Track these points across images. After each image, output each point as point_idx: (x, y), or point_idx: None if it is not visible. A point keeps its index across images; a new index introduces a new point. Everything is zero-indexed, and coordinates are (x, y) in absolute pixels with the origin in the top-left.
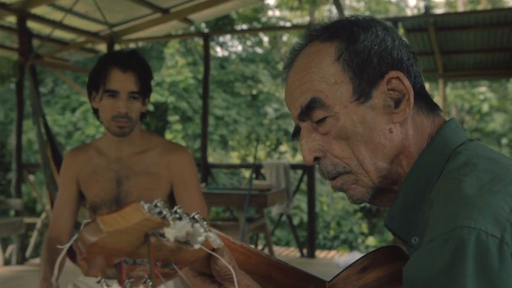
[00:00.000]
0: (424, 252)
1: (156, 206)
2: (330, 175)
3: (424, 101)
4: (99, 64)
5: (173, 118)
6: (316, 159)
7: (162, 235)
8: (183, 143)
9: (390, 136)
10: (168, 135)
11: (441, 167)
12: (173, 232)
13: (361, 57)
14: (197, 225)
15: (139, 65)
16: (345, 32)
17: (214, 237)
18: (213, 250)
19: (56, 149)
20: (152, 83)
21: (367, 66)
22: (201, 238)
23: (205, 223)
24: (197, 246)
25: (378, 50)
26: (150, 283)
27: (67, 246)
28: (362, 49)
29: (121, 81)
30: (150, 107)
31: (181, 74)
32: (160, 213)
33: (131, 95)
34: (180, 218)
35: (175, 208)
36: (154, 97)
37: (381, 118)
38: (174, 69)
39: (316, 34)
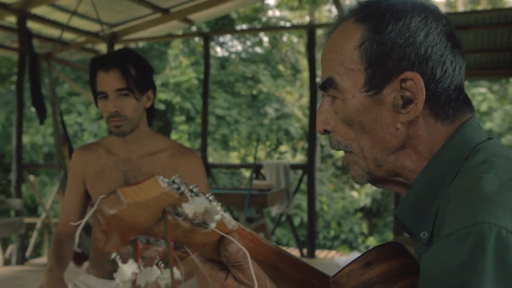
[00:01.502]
0: (443, 246)
1: (174, 182)
2: (335, 149)
3: (447, 101)
4: (89, 70)
5: (179, 118)
6: (326, 131)
7: (178, 215)
8: (187, 143)
9: (395, 133)
10: (174, 135)
11: (460, 165)
12: (192, 207)
13: (382, 49)
14: (214, 203)
15: (124, 61)
16: (375, 19)
17: (229, 218)
18: (226, 233)
19: (71, 147)
20: (157, 83)
21: (385, 60)
22: (217, 217)
23: (219, 204)
24: (213, 225)
25: (403, 44)
26: (162, 265)
27: (83, 221)
28: (385, 41)
29: (106, 81)
30: (161, 106)
31: (185, 75)
32: (178, 189)
33: (119, 93)
34: (197, 195)
35: (191, 186)
36: (163, 97)
37: (387, 114)
38: (178, 70)
39: (354, 10)
